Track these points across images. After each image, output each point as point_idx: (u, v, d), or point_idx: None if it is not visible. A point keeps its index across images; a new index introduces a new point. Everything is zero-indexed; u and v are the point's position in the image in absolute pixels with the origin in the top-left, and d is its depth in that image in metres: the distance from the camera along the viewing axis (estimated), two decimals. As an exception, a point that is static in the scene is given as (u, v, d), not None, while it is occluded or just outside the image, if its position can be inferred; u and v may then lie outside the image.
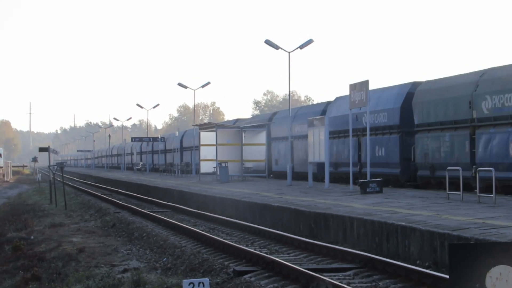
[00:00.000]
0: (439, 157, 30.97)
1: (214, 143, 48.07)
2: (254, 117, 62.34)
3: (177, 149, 77.54)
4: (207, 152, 50.60)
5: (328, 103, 42.67)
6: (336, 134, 39.84)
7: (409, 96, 33.97)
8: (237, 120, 66.77)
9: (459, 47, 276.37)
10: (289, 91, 43.86)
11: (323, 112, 41.96)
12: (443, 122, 30.88)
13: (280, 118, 50.50)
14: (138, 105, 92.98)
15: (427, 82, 33.71)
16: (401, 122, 34.39)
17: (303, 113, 46.61)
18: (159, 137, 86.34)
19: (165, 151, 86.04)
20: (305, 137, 40.28)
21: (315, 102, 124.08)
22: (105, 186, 63.40)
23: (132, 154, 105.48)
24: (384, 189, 29.35)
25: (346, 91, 43.02)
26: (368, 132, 31.89)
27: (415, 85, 34.53)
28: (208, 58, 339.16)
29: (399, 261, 15.23)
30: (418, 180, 33.20)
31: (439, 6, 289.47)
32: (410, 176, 34.06)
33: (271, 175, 50.47)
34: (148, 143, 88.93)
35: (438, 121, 31.29)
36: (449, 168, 26.19)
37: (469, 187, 27.34)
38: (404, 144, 34.22)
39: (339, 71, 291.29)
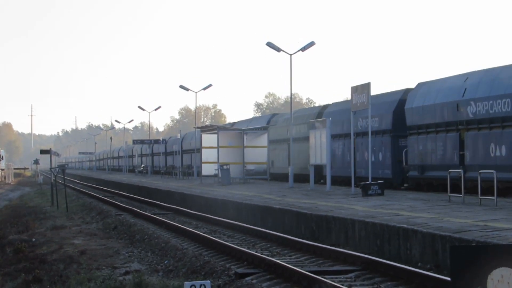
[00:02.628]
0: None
1: (216, 145, 48.08)
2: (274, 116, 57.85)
3: (179, 151, 77.55)
4: (208, 155, 50.61)
5: (407, 90, 35.71)
6: (424, 129, 32.43)
7: None
8: (233, 124, 66.29)
9: (461, 48, 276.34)
10: (291, 93, 43.90)
11: (400, 102, 35.41)
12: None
13: (337, 112, 43.04)
14: (139, 107, 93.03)
15: None
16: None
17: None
18: (161, 139, 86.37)
19: (165, 154, 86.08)
20: (366, 134, 36.19)
21: (316, 105, 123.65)
22: (106, 189, 63.40)
23: (133, 156, 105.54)
24: (386, 191, 29.34)
25: (347, 94, 42.75)
26: (367, 133, 31.89)
27: None
28: (210, 61, 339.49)
29: (400, 264, 15.20)
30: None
31: (440, 8, 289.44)
32: None
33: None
34: (149, 146, 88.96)
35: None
36: (450, 170, 26.17)
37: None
38: None
39: (340, 73, 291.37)
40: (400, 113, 34.73)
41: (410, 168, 33.26)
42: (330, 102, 47.25)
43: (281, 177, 48.94)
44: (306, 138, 41.72)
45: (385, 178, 34.23)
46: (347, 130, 38.19)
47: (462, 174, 25.01)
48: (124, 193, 52.58)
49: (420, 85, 33.98)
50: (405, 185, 34.10)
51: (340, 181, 40.01)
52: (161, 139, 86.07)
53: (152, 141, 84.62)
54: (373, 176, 32.79)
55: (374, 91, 33.06)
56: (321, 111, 45.52)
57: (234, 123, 66.70)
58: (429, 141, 31.95)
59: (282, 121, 52.29)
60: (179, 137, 75.61)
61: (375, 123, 36.35)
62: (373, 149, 35.56)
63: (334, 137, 39.41)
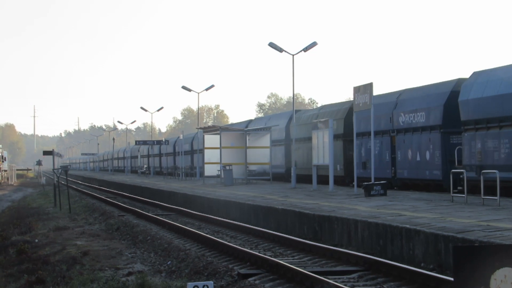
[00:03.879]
0: None
1: (218, 146, 48.10)
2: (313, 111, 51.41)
3: (182, 152, 77.47)
4: (211, 155, 50.63)
5: (460, 81, 31.74)
6: (484, 124, 28.52)
7: None
8: (250, 122, 62.56)
9: (462, 48, 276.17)
10: (293, 93, 43.89)
11: (452, 94, 31.71)
12: None
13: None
14: (142, 108, 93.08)
15: None
16: None
17: (412, 98, 34.84)
18: (163, 140, 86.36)
19: (173, 154, 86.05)
20: (409, 130, 33.94)
21: (319, 105, 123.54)
22: (109, 190, 63.44)
23: (136, 157, 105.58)
24: (388, 191, 29.32)
25: (349, 94, 42.24)
26: (411, 129, 30.98)
27: None
28: (212, 61, 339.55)
29: (403, 264, 15.21)
30: None
31: (443, 9, 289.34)
32: None
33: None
34: (152, 146, 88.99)
35: None
36: (453, 170, 26.10)
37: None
38: None
39: (343, 73, 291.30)
40: (452, 106, 30.99)
41: (466, 168, 28.29)
42: (462, 77, 35.09)
43: (305, 179, 43.34)
44: (336, 137, 38.39)
45: (434, 180, 31.98)
46: (385, 127, 35.54)
47: (464, 174, 24.84)
48: (126, 194, 52.62)
49: (476, 74, 29.81)
50: (459, 188, 28.05)
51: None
52: (163, 140, 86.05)
53: (155, 141, 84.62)
54: (419, 177, 31.56)
55: (376, 91, 32.71)
56: (455, 89, 34.80)
57: (251, 121, 63.73)
58: (490, 138, 28.27)
59: (306, 117, 46.86)
60: (181, 137, 75.54)
61: (421, 118, 32.79)
62: (418, 147, 32.85)
63: (369, 134, 34.47)
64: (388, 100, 36.24)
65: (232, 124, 69.41)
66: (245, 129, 50.26)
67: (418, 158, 32.96)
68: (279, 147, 50.87)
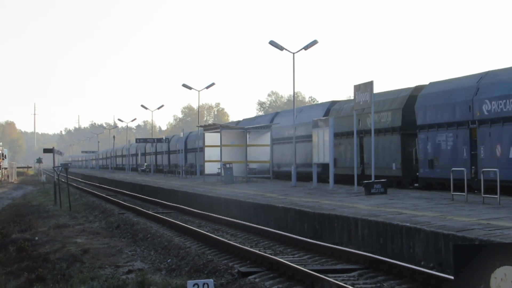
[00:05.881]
0: None
1: (219, 144, 48.11)
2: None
3: (182, 150, 77.54)
4: (211, 153, 50.64)
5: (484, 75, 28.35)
6: None
7: None
8: (275, 115, 57.18)
9: (463, 49, 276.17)
10: (294, 92, 43.89)
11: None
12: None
13: (441, 94, 31.66)
14: (142, 106, 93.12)
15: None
16: None
17: (502, 81, 28.37)
18: (164, 138, 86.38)
19: (169, 152, 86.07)
20: (496, 121, 28.01)
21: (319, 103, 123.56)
22: (109, 187, 63.45)
23: (136, 155, 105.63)
24: (389, 190, 29.31)
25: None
26: (497, 120, 27.11)
27: None
28: (213, 59, 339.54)
29: (403, 262, 15.21)
30: None
31: (443, 8, 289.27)
32: None
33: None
34: (152, 144, 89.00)
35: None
36: (453, 169, 26.06)
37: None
38: None
39: (343, 72, 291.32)
40: None
41: None
42: (425, 83, 34.36)
43: (348, 180, 37.47)
44: (389, 130, 34.94)
45: None
46: (460, 117, 29.51)
47: (465, 172, 24.81)
48: (127, 192, 52.62)
49: None
50: None
51: (447, 184, 27.10)
52: (164, 138, 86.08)
53: (155, 139, 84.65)
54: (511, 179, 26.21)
55: (376, 89, 32.41)
56: (414, 94, 33.98)
57: (277, 113, 58.83)
58: None
59: (348, 109, 39.42)
60: (181, 135, 75.56)
61: (508, 105, 27.02)
62: (501, 142, 27.34)
63: (438, 126, 30.66)
64: (463, 85, 29.96)
65: (256, 117, 67.35)
66: (245, 127, 50.24)
67: (498, 154, 27.42)
68: (310, 143, 42.97)
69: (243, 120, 66.82)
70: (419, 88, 34.06)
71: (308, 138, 41.74)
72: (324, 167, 40.23)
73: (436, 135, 30.86)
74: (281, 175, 49.53)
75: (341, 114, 40.63)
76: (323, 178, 40.35)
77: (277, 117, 54.86)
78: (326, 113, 43.30)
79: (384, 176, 33.52)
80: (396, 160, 34.48)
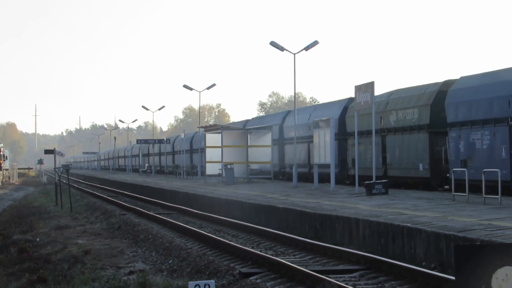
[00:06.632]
0: None
1: (220, 144, 48.10)
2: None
3: (184, 151, 77.54)
4: (212, 154, 50.62)
5: None
6: None
7: None
8: (287, 113, 53.49)
9: (463, 49, 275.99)
10: (295, 92, 43.87)
11: None
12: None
13: (475, 89, 29.07)
14: (143, 107, 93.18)
15: None
16: None
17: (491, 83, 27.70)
18: (165, 139, 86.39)
19: (173, 153, 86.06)
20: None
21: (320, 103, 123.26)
22: (110, 188, 63.46)
23: (137, 156, 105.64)
24: (390, 190, 29.29)
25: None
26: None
27: None
28: (214, 60, 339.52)
29: (404, 263, 15.20)
30: None
31: (444, 8, 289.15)
32: None
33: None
34: (153, 145, 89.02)
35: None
36: (454, 169, 26.04)
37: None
38: None
39: (344, 72, 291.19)
40: None
41: None
42: (453, 78, 32.11)
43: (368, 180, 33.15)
44: (415, 128, 32.72)
45: None
46: (498, 114, 26.98)
47: (499, 174, 23.60)
48: (128, 193, 52.62)
49: None
50: None
51: (477, 186, 25.15)
52: (165, 139, 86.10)
53: (156, 140, 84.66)
54: None
55: (377, 91, 32.20)
56: (443, 89, 31.40)
57: (289, 111, 54.98)
58: None
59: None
60: (182, 136, 75.58)
61: None
62: None
63: (472, 124, 28.36)
64: (501, 79, 27.58)
65: (266, 116, 65.68)
66: (246, 128, 50.21)
67: None
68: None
69: (252, 119, 66.33)
70: (449, 83, 31.49)
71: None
72: (342, 166, 38.92)
73: (469, 133, 28.45)
74: (291, 177, 45.51)
75: (360, 111, 35.92)
76: (340, 179, 38.66)
77: (289, 115, 52.14)
78: (344, 111, 41.43)
79: (409, 178, 32.30)
80: (423, 160, 32.13)
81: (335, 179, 35.60)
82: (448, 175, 26.24)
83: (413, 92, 34.06)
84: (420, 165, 31.87)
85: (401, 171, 31.18)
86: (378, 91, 30.26)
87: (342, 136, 40.16)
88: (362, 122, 36.14)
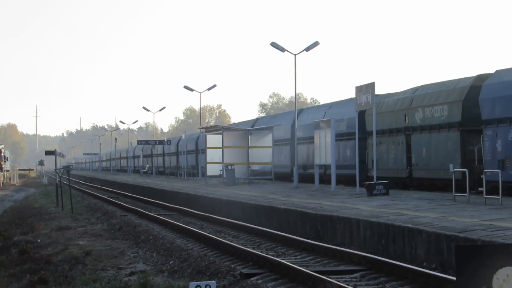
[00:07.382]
0: None
1: (220, 145, 48.10)
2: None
3: (189, 151, 77.43)
4: (213, 155, 50.63)
5: None
6: None
7: None
8: (300, 111, 51.30)
9: (463, 49, 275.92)
10: (295, 93, 43.82)
11: None
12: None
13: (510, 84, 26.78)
14: (144, 108, 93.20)
15: None
16: None
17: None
18: (165, 140, 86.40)
19: (177, 153, 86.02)
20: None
21: (321, 104, 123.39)
22: (111, 189, 63.48)
23: (138, 157, 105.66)
24: (391, 191, 29.28)
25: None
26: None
27: None
28: (214, 61, 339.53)
29: (405, 263, 15.20)
30: None
31: (445, 9, 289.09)
32: None
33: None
34: (154, 146, 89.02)
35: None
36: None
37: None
38: None
39: (345, 73, 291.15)
40: None
41: None
42: (485, 72, 30.28)
43: (393, 184, 31.57)
44: (444, 126, 30.58)
45: None
46: None
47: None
48: (129, 194, 52.63)
49: None
50: None
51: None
52: (165, 140, 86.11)
53: (157, 141, 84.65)
54: None
55: (378, 91, 32.08)
56: (476, 84, 29.19)
57: (302, 110, 53.27)
58: None
59: (393, 103, 35.26)
60: (183, 137, 75.52)
61: None
62: None
63: (511, 121, 26.07)
64: None
65: (277, 115, 63.95)
66: (247, 129, 50.20)
67: None
68: (345, 142, 40.42)
69: (261, 118, 66.02)
70: (482, 78, 29.08)
71: (341, 136, 38.41)
72: (361, 167, 34.64)
73: (508, 131, 26.11)
74: (307, 178, 43.62)
75: (382, 109, 35.29)
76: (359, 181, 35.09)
77: (302, 114, 49.72)
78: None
79: (438, 179, 30.59)
80: (454, 161, 29.71)
81: (355, 182, 32.56)
82: (482, 176, 24.28)
83: (441, 88, 31.90)
84: (451, 166, 29.34)
85: (428, 172, 29.52)
86: (379, 91, 30.23)
87: (362, 135, 35.53)
88: (383, 120, 34.42)
